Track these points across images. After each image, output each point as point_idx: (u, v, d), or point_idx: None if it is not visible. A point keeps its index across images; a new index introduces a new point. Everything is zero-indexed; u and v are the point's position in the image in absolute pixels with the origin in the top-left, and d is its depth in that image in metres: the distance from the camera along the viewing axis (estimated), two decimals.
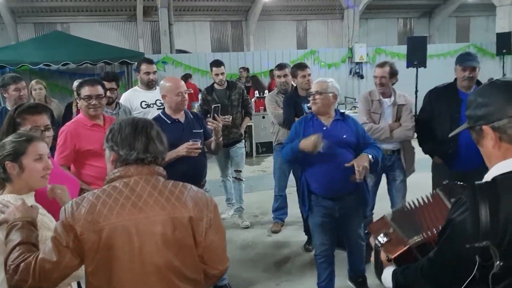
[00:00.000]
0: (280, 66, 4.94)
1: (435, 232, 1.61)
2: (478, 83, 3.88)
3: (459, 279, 1.28)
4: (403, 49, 11.16)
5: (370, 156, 3.17)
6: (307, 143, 3.12)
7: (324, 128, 3.29)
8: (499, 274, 1.21)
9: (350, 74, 12.65)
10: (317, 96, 3.29)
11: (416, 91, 10.24)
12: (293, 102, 4.51)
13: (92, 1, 16.23)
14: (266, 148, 8.94)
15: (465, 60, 3.75)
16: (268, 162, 8.18)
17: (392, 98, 4.14)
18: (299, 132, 3.34)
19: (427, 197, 1.79)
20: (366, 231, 1.84)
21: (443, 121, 3.86)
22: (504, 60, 12.50)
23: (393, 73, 4.11)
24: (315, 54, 12.53)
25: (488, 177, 1.33)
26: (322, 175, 3.26)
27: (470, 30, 22.80)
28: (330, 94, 3.33)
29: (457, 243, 1.29)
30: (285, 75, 4.82)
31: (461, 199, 1.31)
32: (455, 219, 1.30)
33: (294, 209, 4.96)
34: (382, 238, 1.69)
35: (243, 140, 5.50)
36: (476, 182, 1.29)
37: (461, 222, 1.27)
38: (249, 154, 9.19)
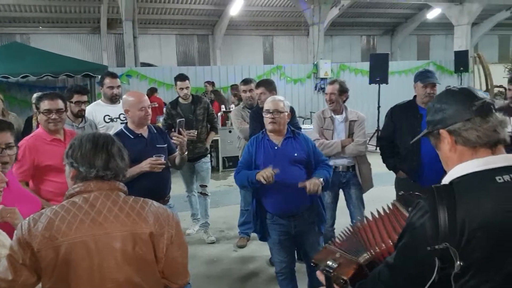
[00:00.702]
0: (246, 81, 4.97)
1: (384, 247, 1.63)
2: None
3: (420, 283, 1.30)
4: (366, 65, 11.45)
5: (321, 180, 3.18)
6: (264, 176, 3.05)
7: (276, 147, 3.29)
8: (460, 274, 1.24)
9: (315, 89, 12.85)
10: (276, 115, 3.27)
11: (379, 107, 10.50)
12: (259, 116, 4.51)
13: (54, 12, 15.90)
14: (232, 162, 8.92)
15: (426, 77, 3.87)
16: None
17: (344, 115, 4.26)
18: (252, 153, 3.32)
19: (384, 210, 1.81)
20: (313, 264, 1.83)
21: (404, 137, 3.96)
22: (462, 77, 12.99)
23: (343, 91, 4.22)
24: (281, 69, 12.67)
25: (445, 180, 1.37)
26: (275, 194, 3.24)
27: (430, 48, 23.65)
28: (286, 113, 3.35)
29: (417, 247, 1.31)
30: (250, 90, 4.85)
31: (419, 204, 1.34)
32: (415, 223, 1.33)
33: None
34: (331, 264, 1.67)
35: (209, 155, 5.47)
36: (434, 186, 1.33)
37: (421, 225, 1.30)
38: (215, 169, 9.14)
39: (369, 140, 9.71)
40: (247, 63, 15.70)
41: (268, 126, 3.30)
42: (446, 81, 13.24)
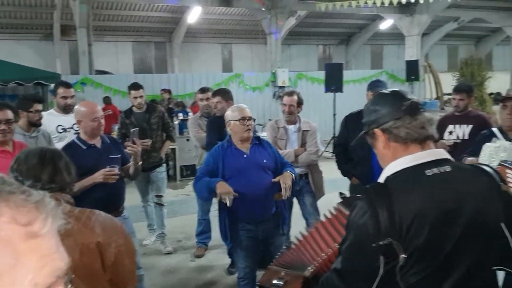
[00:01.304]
0: (203, 90, 4.97)
1: (326, 256, 1.69)
2: None
3: (369, 281, 1.36)
4: (322, 74, 11.67)
5: (292, 175, 3.27)
6: (224, 191, 3.05)
7: (245, 155, 3.28)
8: (404, 265, 1.34)
9: (274, 97, 12.98)
10: (250, 122, 3.27)
11: (334, 114, 10.73)
12: (217, 125, 4.52)
13: (3, 17, 15.35)
14: (190, 171, 8.85)
15: (375, 87, 4.03)
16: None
17: (297, 125, 4.36)
18: (217, 160, 3.27)
19: (326, 216, 1.87)
20: (258, 286, 1.86)
21: (357, 145, 4.06)
22: (413, 86, 13.48)
23: (300, 102, 4.34)
24: (240, 78, 12.74)
25: (381, 177, 1.47)
26: (246, 202, 3.22)
27: (384, 57, 24.42)
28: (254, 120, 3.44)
29: (361, 246, 1.38)
30: (207, 98, 4.84)
31: (358, 204, 1.42)
32: (356, 223, 1.40)
33: (218, 232, 4.91)
34: (277, 283, 1.70)
35: (164, 164, 5.42)
36: (370, 185, 1.43)
37: (363, 224, 1.37)
38: (173, 178, 9.05)
39: (326, 147, 9.92)
40: (205, 71, 15.68)
41: (245, 134, 3.25)
42: None
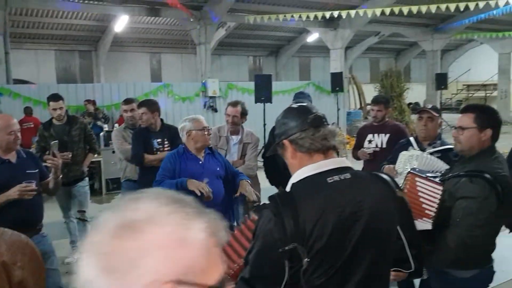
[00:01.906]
0: (127, 101, 4.86)
1: (237, 266, 1.73)
2: None
3: (276, 287, 1.43)
4: (253, 85, 11.83)
5: (248, 181, 3.42)
6: (196, 186, 3.15)
7: (200, 162, 3.42)
8: (308, 269, 1.43)
9: (204, 107, 12.94)
10: (209, 131, 3.46)
11: (264, 125, 10.89)
12: (143, 137, 4.43)
13: None
14: (117, 184, 8.54)
15: (297, 98, 4.25)
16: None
17: (239, 136, 4.38)
18: (174, 164, 3.39)
19: (242, 223, 1.93)
20: None
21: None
22: (338, 97, 14.01)
23: (244, 113, 4.37)
24: (169, 87, 12.56)
25: (288, 185, 1.58)
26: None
27: (311, 69, 25.23)
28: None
29: (268, 251, 1.45)
30: (132, 110, 4.74)
31: (263, 212, 1.50)
32: (263, 230, 1.47)
33: None
34: None
35: (87, 178, 5.22)
36: (276, 193, 1.53)
37: (269, 231, 1.45)
38: (98, 192, 8.73)
39: (257, 156, 10.05)
40: (133, 81, 15.35)
41: (206, 142, 3.46)
42: (324, 101, 14.24)
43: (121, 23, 15.46)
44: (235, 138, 4.34)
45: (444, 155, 3.03)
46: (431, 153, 3.07)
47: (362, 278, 1.51)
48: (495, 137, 2.42)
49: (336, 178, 1.53)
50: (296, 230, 1.42)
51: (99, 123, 9.90)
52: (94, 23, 16.61)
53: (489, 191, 2.25)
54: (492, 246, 2.44)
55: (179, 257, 0.70)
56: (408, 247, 1.69)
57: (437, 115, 3.50)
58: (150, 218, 0.71)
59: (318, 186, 1.52)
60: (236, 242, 1.82)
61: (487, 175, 2.27)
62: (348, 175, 1.56)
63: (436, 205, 2.36)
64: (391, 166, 3.23)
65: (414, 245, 1.71)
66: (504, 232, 3.41)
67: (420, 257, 1.75)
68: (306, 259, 1.41)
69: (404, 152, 3.16)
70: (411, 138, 3.62)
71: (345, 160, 1.66)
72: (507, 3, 12.14)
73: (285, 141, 1.63)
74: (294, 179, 1.58)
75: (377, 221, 1.53)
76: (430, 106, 3.67)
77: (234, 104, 4.37)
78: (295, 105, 1.74)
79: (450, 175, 2.46)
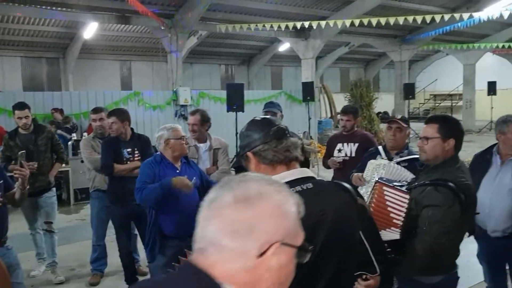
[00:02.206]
0: (96, 110, 4.79)
1: None
2: None
3: None
4: (225, 93, 11.83)
5: None
6: (182, 182, 3.27)
7: (177, 171, 3.46)
8: None
9: (176, 116, 12.84)
10: (185, 141, 3.50)
11: (236, 133, 10.89)
12: (113, 146, 4.37)
13: None
14: (85, 194, 8.37)
15: (267, 107, 4.31)
16: (88, 210, 7.68)
17: (208, 143, 4.37)
18: (154, 171, 3.42)
19: None
20: None
21: None
22: (309, 106, 14.17)
23: (205, 120, 4.34)
24: (139, 96, 12.42)
25: None
26: (176, 215, 3.36)
27: (283, 78, 25.44)
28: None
29: None
30: (100, 119, 4.68)
31: None
32: None
33: (114, 257, 4.74)
34: None
35: (54, 188, 5.10)
36: None
37: None
38: (66, 202, 8.55)
39: (230, 165, 10.02)
40: (103, 89, 15.12)
41: (184, 151, 3.52)
42: (296, 109, 14.38)
43: (90, 30, 15.23)
44: (203, 146, 4.35)
45: (410, 164, 3.11)
46: (398, 163, 3.14)
47: (329, 282, 1.55)
48: (458, 147, 2.50)
49: (298, 188, 1.56)
50: None
51: (59, 131, 9.65)
52: (62, 29, 16.30)
53: (453, 200, 2.32)
54: (457, 252, 2.52)
55: (282, 224, 0.96)
56: (372, 252, 1.73)
57: (405, 125, 3.59)
58: (260, 194, 0.96)
59: None
60: None
61: (451, 184, 2.34)
62: (310, 185, 1.60)
63: (403, 214, 2.41)
64: (359, 174, 3.29)
65: (377, 250, 1.77)
66: (468, 238, 3.52)
67: (388, 264, 1.80)
68: None
69: (372, 161, 3.22)
70: (380, 147, 3.70)
71: (308, 170, 1.70)
72: (471, 16, 12.60)
73: (249, 153, 1.67)
74: None
75: (339, 229, 1.57)
76: (399, 116, 3.74)
77: (193, 112, 4.39)
78: (258, 118, 1.78)
79: (416, 184, 2.52)
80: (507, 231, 3.23)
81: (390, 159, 3.40)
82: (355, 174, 3.38)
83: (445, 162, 2.47)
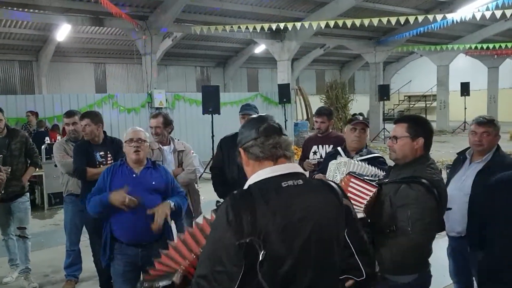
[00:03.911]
0: (68, 114, 4.71)
1: (193, 258, 1.80)
2: None
3: (232, 280, 1.51)
4: (200, 96, 11.79)
5: (172, 204, 3.25)
6: (117, 197, 3.09)
7: (134, 175, 3.30)
8: (262, 261, 1.51)
9: None
10: (140, 144, 3.29)
11: (213, 136, 10.88)
12: (85, 150, 4.32)
13: None
14: (59, 199, 8.22)
15: (243, 110, 4.31)
16: (63, 215, 7.54)
17: (172, 146, 4.39)
18: (107, 180, 3.29)
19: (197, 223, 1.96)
20: None
21: (232, 166, 4.21)
22: (286, 108, 14.24)
23: (167, 123, 4.35)
24: (113, 98, 12.27)
25: (245, 186, 1.67)
26: (128, 221, 3.21)
27: (259, 80, 25.49)
28: (149, 143, 3.43)
29: (225, 244, 1.52)
30: (74, 123, 4.61)
31: (220, 208, 1.59)
32: (221, 223, 1.56)
33: (89, 263, 4.67)
34: None
35: (27, 193, 5.00)
36: (233, 192, 1.61)
37: (227, 224, 1.53)
38: (40, 207, 8.39)
39: (205, 168, 9.98)
40: (77, 91, 14.89)
41: (132, 156, 3.26)
42: (272, 112, 14.39)
43: (64, 32, 14.97)
44: (167, 148, 4.36)
45: (371, 163, 3.18)
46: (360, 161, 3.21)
47: (310, 282, 1.60)
48: (427, 146, 2.57)
49: (290, 183, 1.64)
50: (253, 226, 1.51)
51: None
52: (35, 32, 16.01)
53: (428, 196, 2.38)
54: (430, 251, 2.56)
55: None
56: (357, 254, 1.76)
57: (368, 127, 3.74)
58: None
59: (274, 189, 1.62)
60: (192, 238, 1.87)
61: (424, 181, 2.40)
62: (300, 181, 1.67)
63: (362, 206, 2.45)
64: (321, 175, 3.35)
65: (363, 252, 1.78)
66: (444, 239, 3.60)
67: (373, 265, 1.83)
68: (263, 252, 1.50)
69: (332, 161, 3.26)
70: (339, 148, 3.76)
71: (298, 166, 1.77)
72: (444, 18, 12.87)
73: (240, 149, 1.75)
74: (251, 181, 1.67)
75: (323, 227, 1.65)
76: (361, 118, 3.85)
77: (155, 115, 4.39)
78: (255, 116, 1.86)
79: (388, 180, 2.59)
80: (462, 233, 3.31)
81: (350, 158, 3.46)
82: (317, 175, 3.45)
83: (416, 160, 2.54)
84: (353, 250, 1.75)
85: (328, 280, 1.68)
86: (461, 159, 3.45)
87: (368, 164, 3.12)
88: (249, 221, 1.51)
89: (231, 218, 1.52)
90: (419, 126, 2.57)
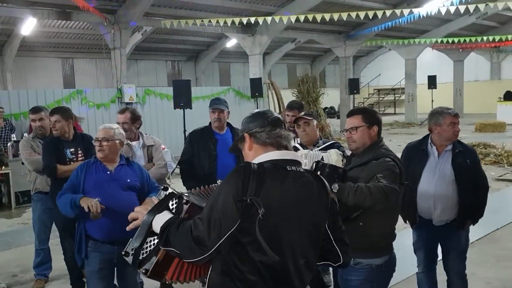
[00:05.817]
0: (35, 110, 4.59)
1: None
2: (229, 125, 4.38)
3: (226, 228, 1.70)
4: (171, 90, 11.68)
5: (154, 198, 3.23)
6: (87, 202, 3.08)
7: (108, 172, 3.30)
8: (262, 219, 1.70)
9: None
10: (104, 143, 3.26)
11: (184, 131, 10.80)
12: (54, 147, 4.23)
13: None
14: (27, 197, 8.03)
15: (213, 104, 4.31)
16: (31, 213, 7.38)
17: (141, 141, 4.34)
18: (80, 174, 3.27)
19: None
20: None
21: (202, 160, 4.21)
22: (258, 102, 14.27)
23: (135, 118, 4.32)
24: (82, 94, 12.02)
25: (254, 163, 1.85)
26: (104, 219, 3.17)
27: (231, 74, 25.43)
28: (117, 141, 3.35)
29: (228, 199, 1.72)
30: (40, 119, 4.50)
31: (239, 167, 1.79)
32: (229, 181, 1.77)
33: (59, 261, 4.60)
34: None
35: None
36: (251, 162, 1.83)
37: (235, 183, 1.74)
38: (7, 206, 8.17)
39: (178, 163, 9.92)
40: (44, 87, 14.52)
41: (98, 154, 3.30)
42: (244, 106, 14.42)
43: (29, 26, 14.54)
44: (136, 144, 4.31)
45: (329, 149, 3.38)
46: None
47: (296, 263, 1.81)
48: (379, 133, 2.81)
49: (294, 168, 1.86)
50: (256, 194, 1.71)
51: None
52: None
53: (393, 164, 2.60)
54: (393, 235, 2.76)
55: None
56: (335, 242, 1.98)
57: (310, 118, 3.81)
58: None
59: (279, 170, 1.82)
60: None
61: (388, 157, 2.64)
62: (301, 169, 1.90)
63: None
64: None
65: (341, 241, 2.00)
66: (410, 229, 3.69)
67: (348, 251, 2.04)
68: (262, 209, 1.69)
69: None
70: (296, 144, 3.81)
71: (298, 155, 1.99)
72: (411, 12, 13.14)
73: (246, 134, 1.95)
74: (258, 160, 1.86)
75: (311, 214, 1.87)
76: (303, 113, 3.99)
77: (122, 111, 4.35)
78: (261, 110, 2.08)
79: (352, 165, 2.76)
80: (450, 219, 3.41)
81: None
82: None
83: (373, 144, 2.75)
84: (332, 238, 1.96)
85: (311, 264, 1.90)
86: (422, 149, 3.49)
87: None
88: (254, 187, 1.71)
89: (240, 180, 1.73)
90: (372, 116, 2.81)
